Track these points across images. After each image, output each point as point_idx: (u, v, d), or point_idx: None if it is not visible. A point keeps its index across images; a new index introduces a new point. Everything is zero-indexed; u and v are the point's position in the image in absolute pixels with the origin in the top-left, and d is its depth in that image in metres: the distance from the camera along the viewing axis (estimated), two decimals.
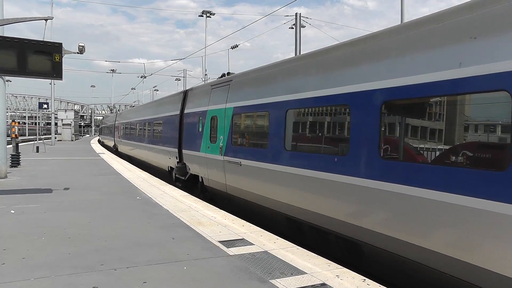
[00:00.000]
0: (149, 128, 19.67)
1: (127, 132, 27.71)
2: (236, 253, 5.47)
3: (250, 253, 5.49)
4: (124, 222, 7.21)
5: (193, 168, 12.66)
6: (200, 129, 11.97)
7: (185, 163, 13.45)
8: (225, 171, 10.07)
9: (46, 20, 10.74)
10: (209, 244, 5.89)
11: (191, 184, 13.16)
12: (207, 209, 8.62)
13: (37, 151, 26.30)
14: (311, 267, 4.99)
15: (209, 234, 6.43)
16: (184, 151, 13.57)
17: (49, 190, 10.51)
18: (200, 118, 12.10)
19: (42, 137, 40.96)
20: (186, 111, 13.88)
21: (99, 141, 54.04)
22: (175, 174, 14.17)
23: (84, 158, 22.59)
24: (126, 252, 5.41)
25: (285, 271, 4.83)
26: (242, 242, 6.05)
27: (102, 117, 76.45)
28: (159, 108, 18.39)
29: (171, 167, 15.18)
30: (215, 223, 7.26)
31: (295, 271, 4.82)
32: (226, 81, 10.90)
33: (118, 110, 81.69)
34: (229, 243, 5.94)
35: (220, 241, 6.03)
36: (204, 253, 5.47)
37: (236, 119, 9.74)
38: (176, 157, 14.24)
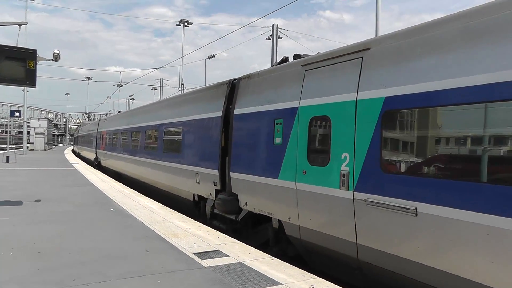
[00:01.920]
0: (158, 138, 13.91)
1: (116, 143, 21.48)
2: (210, 265, 5.44)
3: (225, 264, 5.48)
4: (97, 234, 7.07)
5: (257, 204, 7.84)
6: (279, 140, 7.17)
7: (235, 194, 8.52)
8: (356, 220, 5.50)
9: (20, 25, 10.55)
10: (184, 256, 5.85)
11: (246, 227, 8.54)
12: (182, 221, 8.55)
13: (7, 161, 25.47)
14: (285, 278, 5.02)
15: (184, 246, 6.39)
16: (234, 175, 8.51)
17: (19, 202, 10.20)
18: (278, 121, 7.26)
19: (13, 146, 39.78)
20: (237, 111, 8.63)
21: (73, 151, 52.80)
22: (213, 209, 9.45)
23: (57, 169, 22.03)
24: (99, 266, 5.31)
25: (260, 282, 4.84)
26: (217, 253, 6.03)
27: (78, 126, 71.63)
28: (177, 109, 12.81)
29: (200, 196, 10.22)
30: (189, 235, 7.21)
31: (270, 282, 4.84)
32: (351, 52, 6.01)
33: (94, 119, 79.64)
34: (204, 255, 5.91)
35: (194, 253, 5.99)
36: (179, 265, 5.43)
37: (395, 120, 5.23)
38: (215, 182, 9.22)
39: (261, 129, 7.76)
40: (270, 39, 25.67)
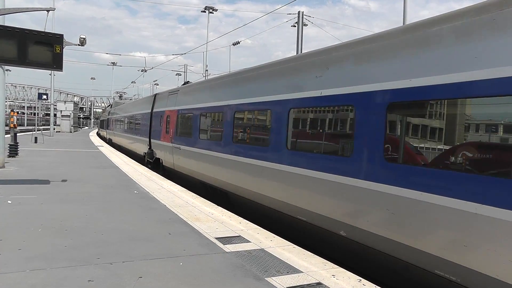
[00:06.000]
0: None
1: (211, 132, 11.29)
2: (232, 250, 5.47)
3: (246, 250, 5.50)
4: (121, 216, 7.21)
5: None
6: None
7: None
8: None
9: (48, 11, 10.69)
10: (206, 241, 5.89)
11: None
12: (205, 205, 8.62)
13: (36, 141, 26.23)
14: (307, 266, 5.00)
15: (206, 230, 6.44)
16: None
17: (46, 182, 10.49)
18: None
19: (40, 127, 40.92)
20: None
21: (98, 134, 53.81)
22: None
23: (82, 150, 22.55)
24: (122, 246, 5.41)
25: (281, 269, 4.83)
26: (238, 239, 6.06)
27: (107, 107, 59.38)
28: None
29: None
30: (212, 219, 7.26)
31: (291, 270, 4.82)
32: None
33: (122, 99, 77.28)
34: (226, 240, 5.94)
35: (216, 238, 6.04)
36: (201, 249, 5.48)
37: None
38: None
39: None
40: (295, 26, 25.32)
